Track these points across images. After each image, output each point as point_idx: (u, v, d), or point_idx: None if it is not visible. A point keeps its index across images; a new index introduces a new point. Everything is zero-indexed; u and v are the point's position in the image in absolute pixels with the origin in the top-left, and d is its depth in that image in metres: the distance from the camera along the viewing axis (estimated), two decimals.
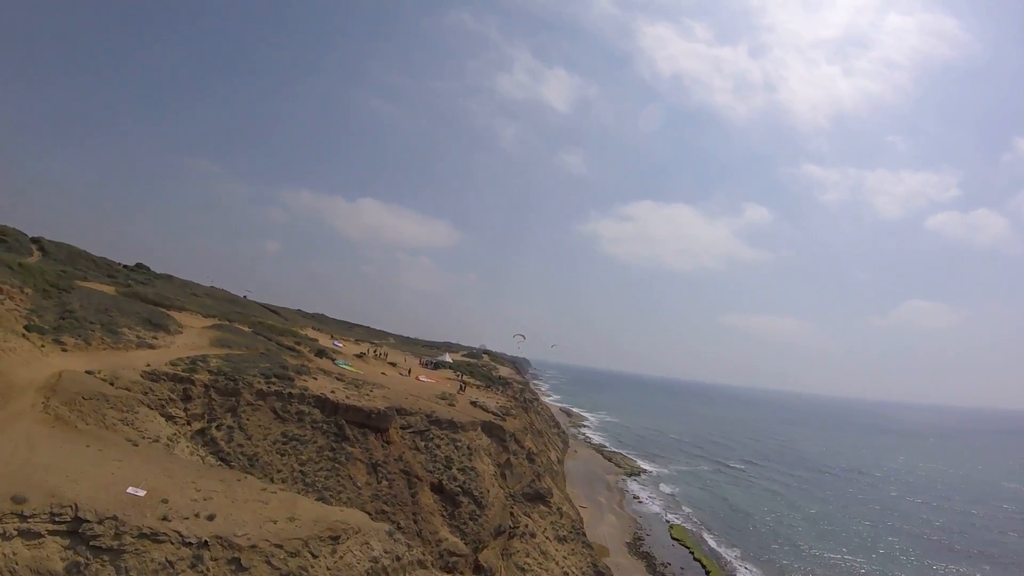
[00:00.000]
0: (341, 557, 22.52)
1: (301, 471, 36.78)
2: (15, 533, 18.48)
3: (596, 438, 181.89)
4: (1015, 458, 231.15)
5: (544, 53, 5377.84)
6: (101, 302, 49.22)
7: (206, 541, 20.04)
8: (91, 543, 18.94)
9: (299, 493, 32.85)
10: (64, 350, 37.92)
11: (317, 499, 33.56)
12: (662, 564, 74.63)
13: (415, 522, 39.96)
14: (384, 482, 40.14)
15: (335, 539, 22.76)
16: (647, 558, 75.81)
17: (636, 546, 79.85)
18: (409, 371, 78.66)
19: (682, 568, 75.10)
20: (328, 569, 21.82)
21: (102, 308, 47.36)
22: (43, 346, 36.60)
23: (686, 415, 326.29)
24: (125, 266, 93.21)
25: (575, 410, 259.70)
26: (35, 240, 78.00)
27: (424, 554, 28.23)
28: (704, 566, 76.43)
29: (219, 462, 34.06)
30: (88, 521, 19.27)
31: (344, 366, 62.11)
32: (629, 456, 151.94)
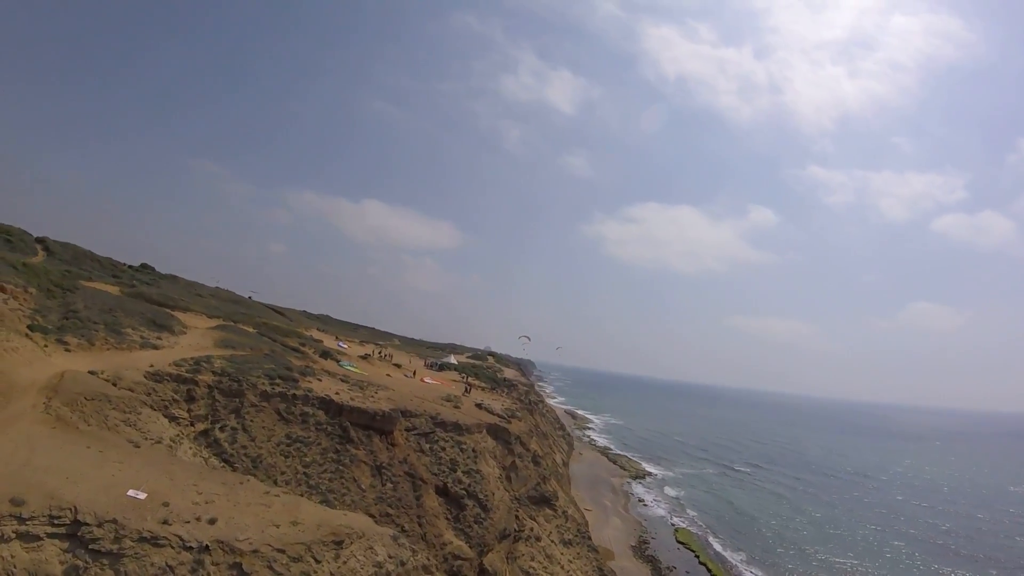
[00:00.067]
0: (345, 562, 22.12)
1: (305, 473, 36.44)
2: (13, 536, 18.19)
3: (601, 440, 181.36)
4: (1021, 462, 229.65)
5: (549, 55, 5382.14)
6: (105, 302, 49.01)
7: (207, 545, 19.69)
8: (90, 546, 18.64)
9: (303, 495, 32.53)
10: (67, 350, 37.71)
11: (321, 502, 33.24)
12: (667, 568, 74.08)
13: (419, 525, 39.58)
14: (388, 485, 39.77)
15: (339, 544, 22.37)
16: (652, 562, 75.27)
17: (641, 549, 79.30)
18: (414, 373, 78.40)
19: (687, 572, 74.48)
20: (331, 574, 21.44)
21: (106, 308, 47.15)
22: (46, 346, 36.40)
23: (690, 417, 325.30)
24: (130, 266, 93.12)
25: (580, 412, 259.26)
26: (40, 240, 77.82)
27: (429, 559, 27.82)
28: (710, 570, 75.87)
29: (222, 464, 33.75)
30: (87, 524, 18.97)
31: (349, 367, 61.81)
32: (634, 459, 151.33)
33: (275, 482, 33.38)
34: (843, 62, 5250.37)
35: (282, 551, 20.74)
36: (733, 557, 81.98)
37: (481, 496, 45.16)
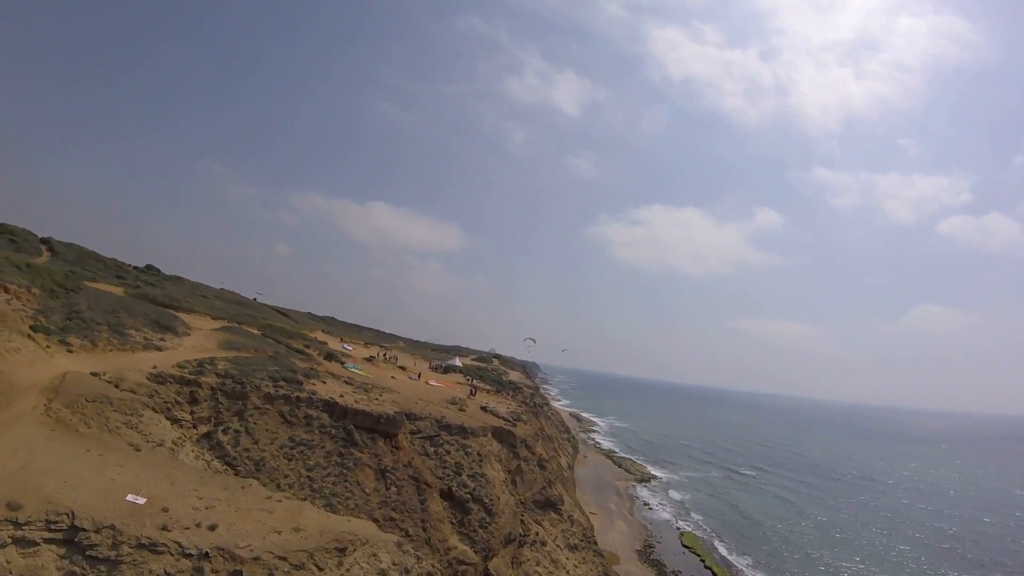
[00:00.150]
0: (348, 570, 21.63)
1: (308, 476, 36.01)
2: (9, 541, 17.80)
3: (606, 443, 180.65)
4: None
5: (554, 56, 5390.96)
6: (109, 303, 48.72)
7: (207, 552, 19.23)
8: (87, 553, 18.24)
9: (306, 499, 32.10)
10: (70, 351, 37.38)
11: (324, 505, 32.83)
12: (673, 572, 73.53)
13: (424, 530, 39.11)
14: (393, 488, 39.31)
15: (342, 551, 21.88)
16: (658, 566, 74.72)
17: (647, 554, 78.75)
18: (419, 375, 77.97)
19: None
20: None
21: (109, 309, 46.86)
22: (48, 347, 36.06)
23: (695, 420, 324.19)
24: (135, 267, 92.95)
25: (584, 415, 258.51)
26: (44, 240, 77.77)
27: (434, 565, 27.37)
28: (715, 574, 75.31)
29: (225, 466, 33.36)
30: (85, 530, 18.56)
31: (353, 370, 61.37)
32: (639, 462, 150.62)
33: (278, 485, 32.99)
34: (849, 64, 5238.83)
35: (284, 559, 20.27)
36: (739, 561, 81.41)
37: (486, 500, 44.64)
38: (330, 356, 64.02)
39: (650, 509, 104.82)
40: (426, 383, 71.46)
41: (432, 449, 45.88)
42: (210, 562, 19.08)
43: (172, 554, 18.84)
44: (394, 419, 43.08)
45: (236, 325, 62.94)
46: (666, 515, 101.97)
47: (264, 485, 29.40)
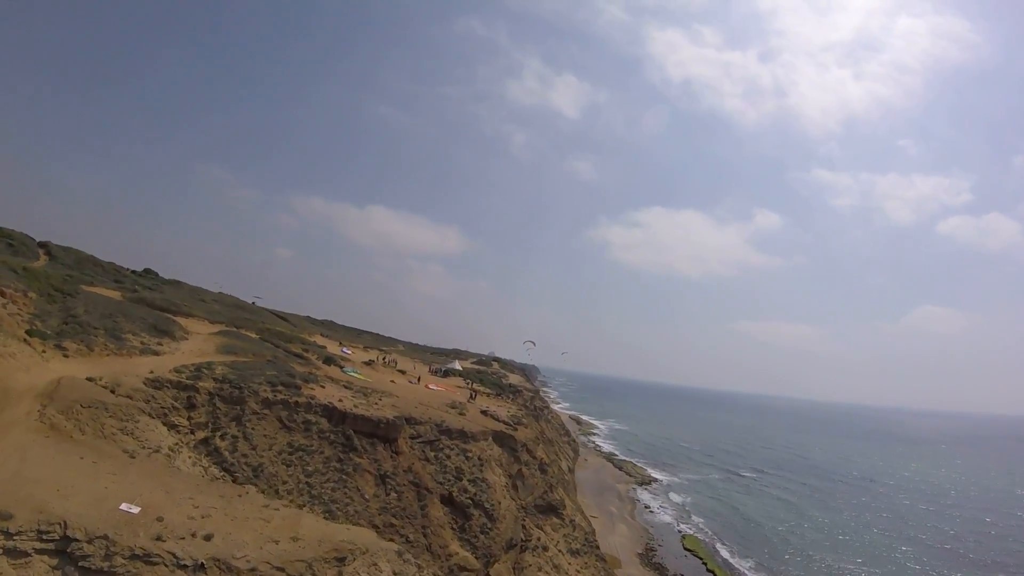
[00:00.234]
0: None
1: (307, 482, 35.59)
2: (0, 551, 17.37)
3: (606, 446, 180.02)
4: None
5: (554, 59, 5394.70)
6: (106, 307, 48.32)
7: (202, 563, 18.78)
8: (80, 563, 17.82)
9: (305, 506, 31.71)
10: (66, 356, 37.00)
11: (324, 512, 32.42)
12: (675, 575, 73.20)
13: (424, 536, 38.70)
14: (393, 494, 38.89)
15: (341, 560, 21.42)
16: (660, 569, 74.33)
17: (648, 557, 78.32)
18: (419, 379, 77.55)
19: None
20: None
21: (107, 313, 46.45)
22: (44, 351, 35.68)
23: (696, 422, 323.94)
24: (133, 271, 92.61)
25: (585, 418, 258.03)
26: (42, 244, 77.38)
27: (435, 573, 26.94)
28: None
29: (223, 473, 32.93)
30: (77, 540, 18.14)
31: (352, 374, 60.93)
32: (639, 465, 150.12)
33: (277, 492, 32.57)
34: (849, 64, 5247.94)
35: (281, 569, 19.82)
36: (741, 564, 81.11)
37: (487, 505, 44.20)
38: (329, 360, 63.60)
39: (651, 512, 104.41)
40: (426, 387, 71.08)
41: (432, 454, 45.45)
42: (206, 573, 18.65)
43: (167, 565, 18.40)
44: (394, 424, 42.68)
45: (234, 329, 62.59)
46: (667, 518, 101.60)
47: (262, 491, 28.99)
